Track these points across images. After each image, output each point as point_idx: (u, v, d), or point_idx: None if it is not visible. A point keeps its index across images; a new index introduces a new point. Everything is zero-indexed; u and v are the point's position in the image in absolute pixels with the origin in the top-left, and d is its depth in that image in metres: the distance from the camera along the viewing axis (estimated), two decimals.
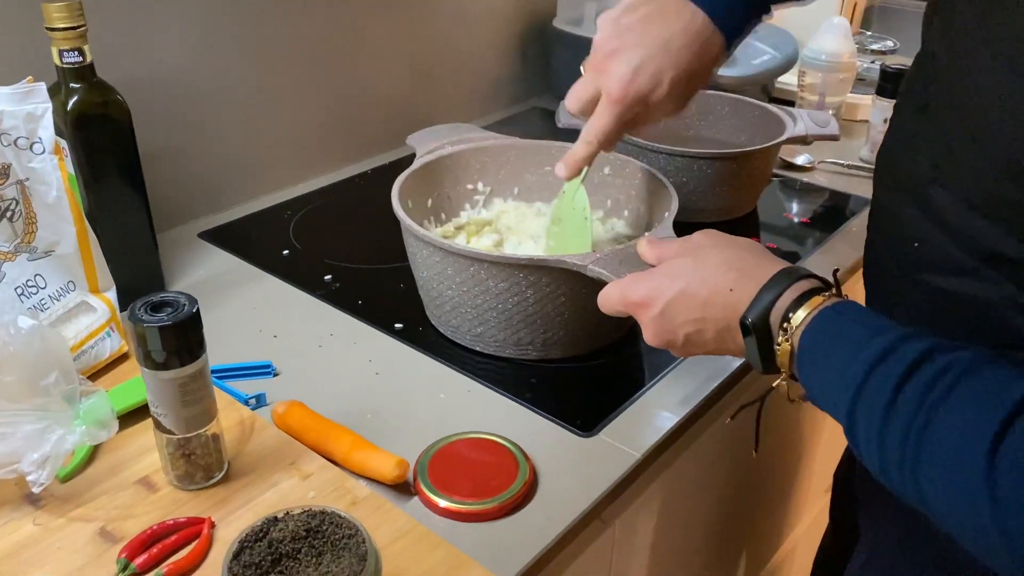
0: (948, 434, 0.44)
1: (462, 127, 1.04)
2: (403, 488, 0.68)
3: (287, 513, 0.53)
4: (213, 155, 1.09)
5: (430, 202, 0.95)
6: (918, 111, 0.61)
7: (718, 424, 0.86)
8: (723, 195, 1.08)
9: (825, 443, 1.25)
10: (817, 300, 0.55)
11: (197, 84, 1.04)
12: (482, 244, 0.91)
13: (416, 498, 0.67)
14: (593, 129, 0.73)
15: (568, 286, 0.76)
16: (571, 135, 1.08)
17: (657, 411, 0.77)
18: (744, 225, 1.13)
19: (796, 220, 1.16)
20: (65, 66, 0.78)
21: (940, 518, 0.47)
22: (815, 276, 0.59)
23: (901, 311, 0.63)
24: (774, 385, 0.63)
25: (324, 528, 0.52)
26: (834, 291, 0.58)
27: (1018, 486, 0.41)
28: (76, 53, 0.78)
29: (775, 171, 1.27)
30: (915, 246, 0.59)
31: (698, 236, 0.67)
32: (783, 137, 1.06)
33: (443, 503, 0.65)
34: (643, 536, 0.83)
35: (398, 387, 0.79)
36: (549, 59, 1.49)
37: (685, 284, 0.62)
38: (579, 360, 0.83)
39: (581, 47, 1.44)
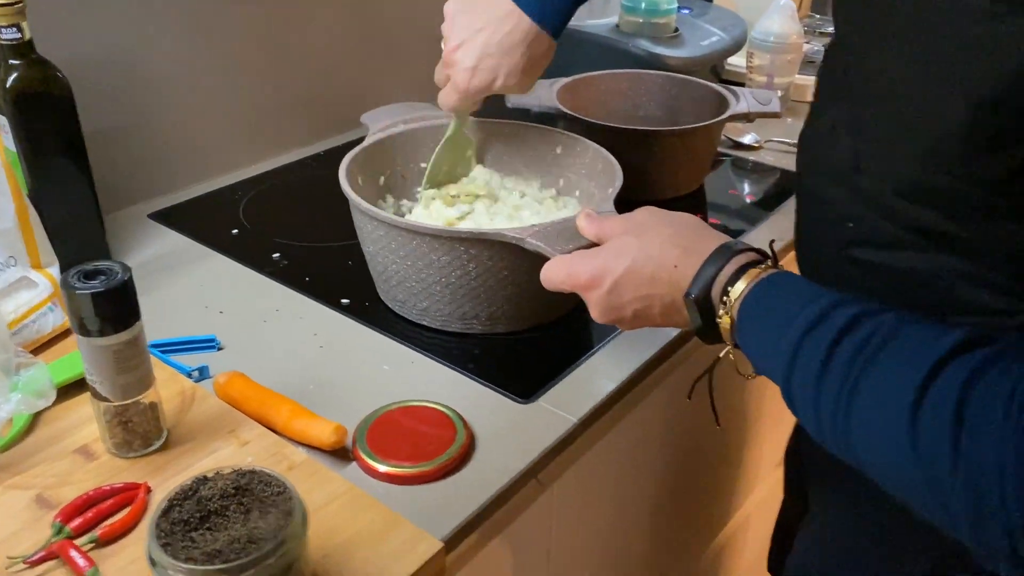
0: (875, 392, 0.47)
1: (417, 106, 1.05)
2: (342, 454, 0.69)
3: (217, 473, 0.54)
4: (163, 136, 1.09)
5: (382, 180, 0.96)
6: (836, 99, 0.62)
7: (658, 391, 0.88)
8: (669, 172, 1.10)
9: (776, 415, 1.28)
10: (754, 272, 0.57)
11: (145, 63, 1.04)
12: (448, 215, 0.93)
13: (355, 463, 0.68)
14: (445, 103, 0.87)
15: (509, 260, 0.78)
16: (522, 114, 1.10)
17: (596, 378, 0.79)
18: (691, 202, 1.15)
19: (743, 197, 1.18)
20: (3, 42, 0.79)
21: (871, 471, 0.49)
22: (754, 249, 0.60)
23: (840, 287, 0.64)
24: (720, 356, 0.65)
25: (253, 486, 0.54)
26: (770, 263, 0.59)
27: (937, 437, 0.43)
28: (14, 29, 0.78)
29: (724, 150, 1.29)
30: (849, 226, 0.60)
31: (640, 213, 0.68)
32: (726, 114, 1.08)
33: (380, 467, 0.66)
34: (584, 501, 0.85)
35: (341, 359, 0.80)
36: None
37: (631, 262, 0.63)
38: (524, 332, 0.84)
39: None
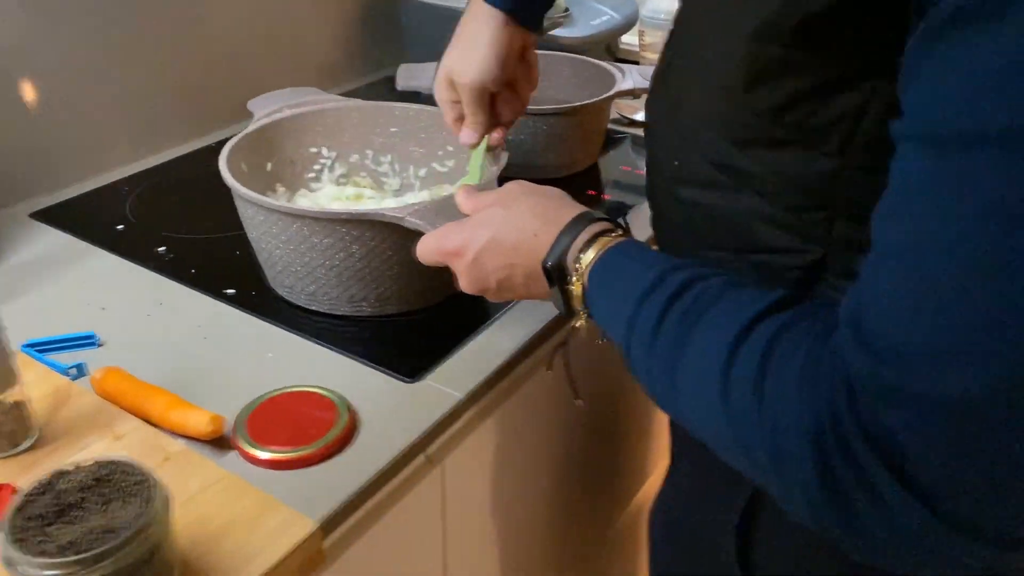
0: (695, 353, 0.48)
1: (304, 91, 1.04)
2: (222, 443, 0.68)
3: (77, 466, 0.54)
4: (40, 132, 1.06)
5: (269, 166, 0.95)
6: (670, 47, 0.66)
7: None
8: (560, 150, 1.11)
9: None
10: (604, 241, 0.59)
11: (21, 57, 1.01)
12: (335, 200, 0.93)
13: (235, 452, 0.68)
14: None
15: (392, 240, 0.78)
16: (411, 98, 1.10)
17: (484, 355, 0.80)
18: (586, 179, 1.16)
19: (636, 173, 1.20)
20: None
21: (694, 429, 0.51)
22: (608, 219, 0.62)
23: (668, 225, 0.70)
24: (576, 325, 0.67)
25: (113, 477, 0.53)
26: (621, 232, 0.61)
27: (744, 396, 0.44)
28: None
29: (621, 128, 1.31)
30: (675, 164, 0.64)
31: (510, 186, 0.70)
32: (611, 91, 1.10)
33: (260, 454, 0.66)
34: (479, 478, 0.86)
35: (225, 349, 0.79)
36: (401, 27, 1.50)
37: (495, 232, 0.65)
38: (415, 313, 0.85)
39: (431, 15, 1.46)
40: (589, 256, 0.58)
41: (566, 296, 0.61)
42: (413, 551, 0.79)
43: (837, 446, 0.39)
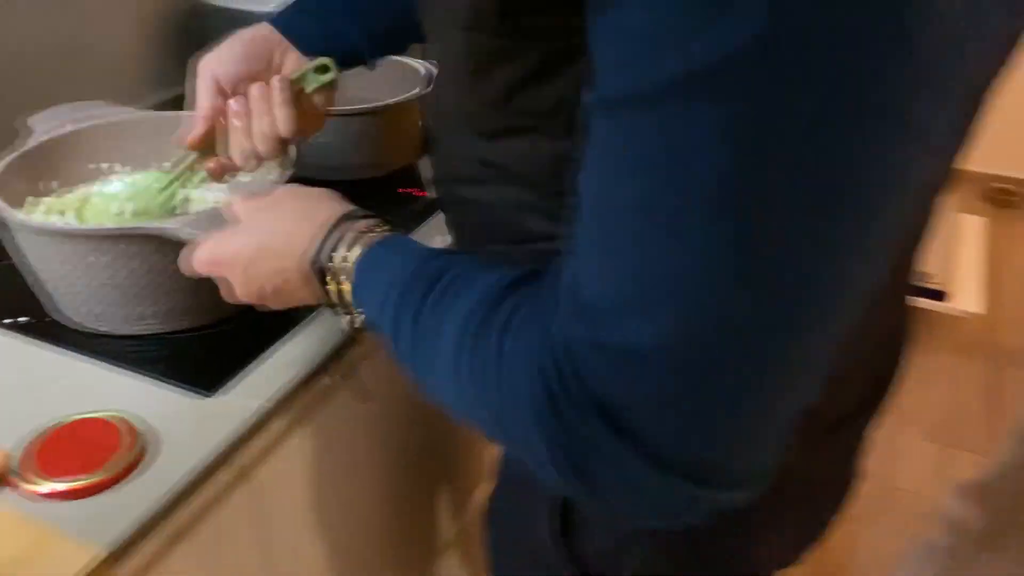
0: (448, 339, 0.48)
1: (91, 104, 0.99)
2: (2, 481, 0.64)
3: None
4: None
5: (55, 184, 0.90)
6: None
7: (366, 365, 0.89)
8: (371, 150, 1.11)
9: None
10: (370, 237, 0.59)
11: None
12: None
13: (17, 489, 0.64)
14: None
15: (175, 254, 0.75)
16: None
17: (290, 362, 0.78)
18: (403, 178, 1.16)
19: None
20: None
21: (458, 414, 0.50)
22: (374, 215, 0.62)
23: (456, 224, 0.72)
24: (356, 327, 0.66)
25: None
26: (388, 227, 0.61)
27: (488, 374, 0.45)
28: None
29: None
30: (453, 164, 0.65)
31: (278, 190, 0.68)
32: (414, 92, 1.11)
33: (42, 487, 0.63)
34: (301, 489, 0.85)
35: (9, 383, 0.75)
36: (206, 36, 1.45)
37: (263, 238, 0.63)
38: (214, 326, 0.82)
39: (241, 21, 1.42)
40: (355, 253, 0.58)
41: (339, 296, 0.60)
42: (233, 569, 0.77)
43: (567, 408, 0.40)
